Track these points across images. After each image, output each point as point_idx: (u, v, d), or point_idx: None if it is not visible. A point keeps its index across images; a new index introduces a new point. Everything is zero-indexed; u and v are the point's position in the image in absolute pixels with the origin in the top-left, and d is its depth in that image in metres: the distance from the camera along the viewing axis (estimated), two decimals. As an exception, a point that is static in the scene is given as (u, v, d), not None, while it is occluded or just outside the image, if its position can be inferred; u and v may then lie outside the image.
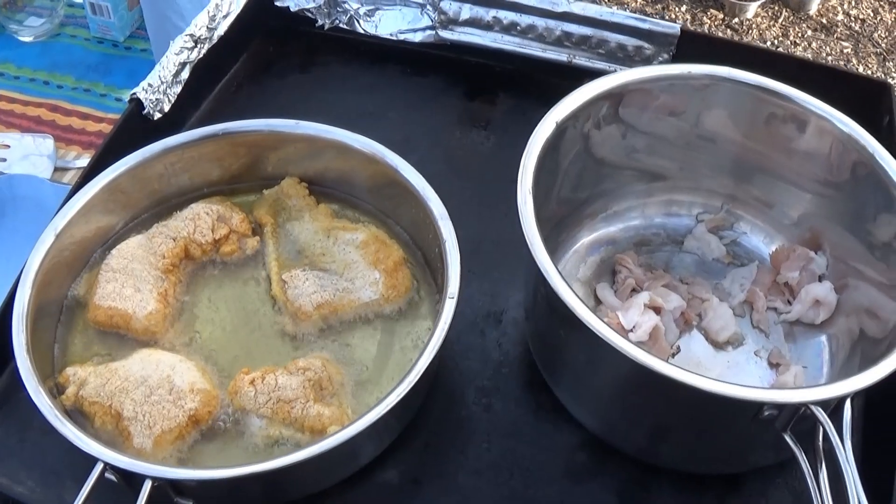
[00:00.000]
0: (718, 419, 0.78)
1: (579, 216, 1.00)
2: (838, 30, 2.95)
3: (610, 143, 0.95)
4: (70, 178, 1.51)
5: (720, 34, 2.86)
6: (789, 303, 0.96)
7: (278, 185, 0.97)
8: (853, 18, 3.01)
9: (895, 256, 0.86)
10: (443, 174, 1.04)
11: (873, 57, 2.86)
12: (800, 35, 2.93)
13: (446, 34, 1.23)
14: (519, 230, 0.78)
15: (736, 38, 2.87)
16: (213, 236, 0.93)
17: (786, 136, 0.94)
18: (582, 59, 1.20)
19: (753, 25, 2.96)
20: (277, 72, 1.25)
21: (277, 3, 1.26)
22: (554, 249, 0.96)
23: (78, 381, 0.82)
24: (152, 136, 0.96)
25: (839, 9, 3.04)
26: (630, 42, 1.18)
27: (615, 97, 0.92)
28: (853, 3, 3.07)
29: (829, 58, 2.83)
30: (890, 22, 3.00)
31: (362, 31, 1.26)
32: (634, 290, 0.96)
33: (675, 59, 1.17)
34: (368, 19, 1.25)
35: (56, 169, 1.53)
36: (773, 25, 2.96)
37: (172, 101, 1.10)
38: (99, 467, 0.71)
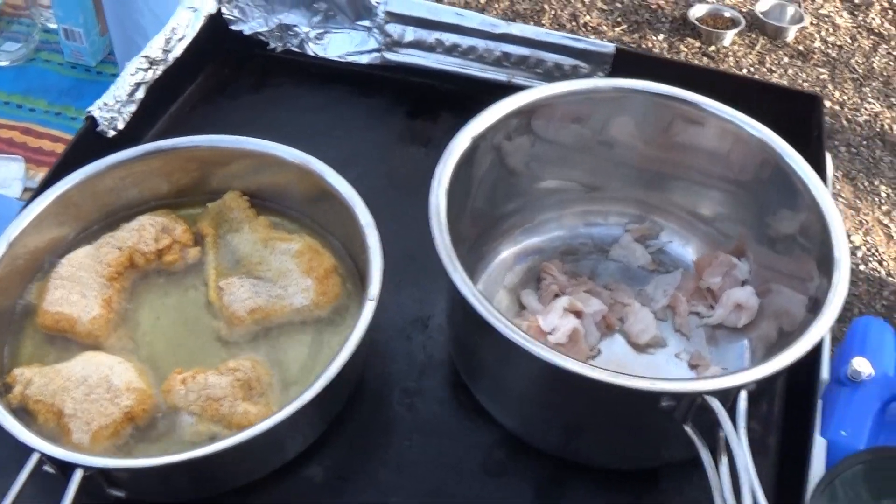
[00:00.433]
0: (622, 413, 0.80)
1: (500, 228, 1.03)
2: (815, 56, 2.96)
3: (520, 153, 0.99)
4: (39, 198, 1.55)
5: (696, 62, 2.87)
6: (712, 307, 0.98)
7: (221, 199, 1.02)
8: (830, 45, 3.01)
9: (798, 248, 0.89)
10: (382, 188, 1.10)
11: (850, 82, 2.86)
12: (776, 62, 2.94)
13: (391, 56, 1.27)
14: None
15: (712, 65, 2.87)
16: (157, 246, 0.97)
17: (689, 140, 0.98)
18: (520, 79, 1.24)
19: (730, 53, 2.97)
20: (231, 92, 1.28)
21: (232, 28, 1.30)
22: (479, 258, 1.00)
23: (24, 380, 0.85)
24: (106, 152, 0.98)
25: (816, 36, 3.05)
26: (566, 61, 1.22)
27: (527, 112, 0.95)
28: (831, 30, 3.07)
29: (805, 84, 2.83)
30: (867, 48, 3.00)
31: (312, 54, 1.30)
32: (557, 296, 0.98)
33: (610, 76, 1.20)
34: (318, 42, 1.30)
35: (26, 189, 1.58)
36: (750, 53, 2.96)
37: (127, 120, 1.13)
38: (34, 458, 0.75)
